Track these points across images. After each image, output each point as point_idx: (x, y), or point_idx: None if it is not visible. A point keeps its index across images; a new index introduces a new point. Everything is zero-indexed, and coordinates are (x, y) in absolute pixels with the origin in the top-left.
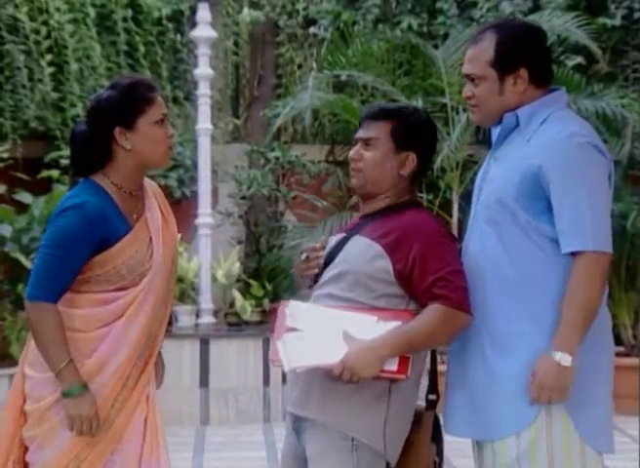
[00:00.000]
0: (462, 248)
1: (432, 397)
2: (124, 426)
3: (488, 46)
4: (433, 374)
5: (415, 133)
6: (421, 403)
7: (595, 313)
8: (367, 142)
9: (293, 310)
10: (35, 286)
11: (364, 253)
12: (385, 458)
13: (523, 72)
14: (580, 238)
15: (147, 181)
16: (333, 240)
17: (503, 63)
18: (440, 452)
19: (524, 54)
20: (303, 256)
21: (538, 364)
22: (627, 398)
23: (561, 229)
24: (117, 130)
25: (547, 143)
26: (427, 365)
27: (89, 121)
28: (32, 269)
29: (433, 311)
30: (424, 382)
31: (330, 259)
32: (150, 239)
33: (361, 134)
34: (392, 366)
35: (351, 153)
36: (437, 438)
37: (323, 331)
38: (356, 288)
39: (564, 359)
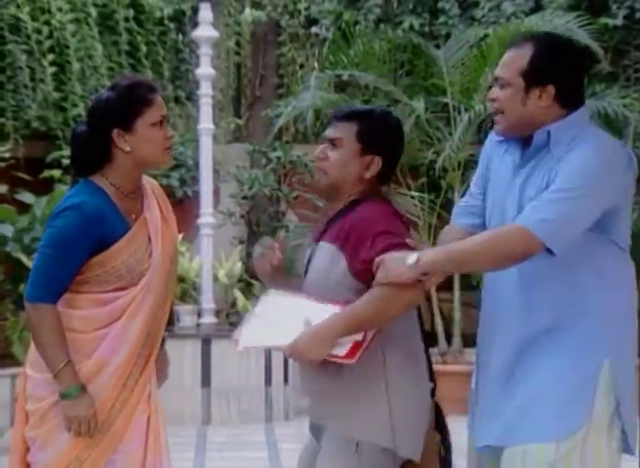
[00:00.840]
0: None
1: (430, 385)
2: (125, 426)
3: (524, 55)
4: (428, 362)
5: (382, 136)
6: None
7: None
8: (333, 142)
9: (269, 297)
10: (34, 287)
11: (326, 260)
12: (399, 454)
13: (550, 89)
14: (532, 218)
15: (147, 179)
16: (308, 251)
17: (533, 76)
18: (445, 440)
19: (556, 72)
20: (259, 252)
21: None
22: None
23: (530, 207)
24: (115, 132)
25: (569, 163)
26: None
27: (88, 122)
28: (31, 270)
29: (376, 291)
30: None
31: (305, 271)
32: (149, 239)
33: (328, 133)
34: (342, 350)
35: (317, 152)
36: (441, 425)
37: (286, 316)
38: (328, 296)
39: (410, 257)
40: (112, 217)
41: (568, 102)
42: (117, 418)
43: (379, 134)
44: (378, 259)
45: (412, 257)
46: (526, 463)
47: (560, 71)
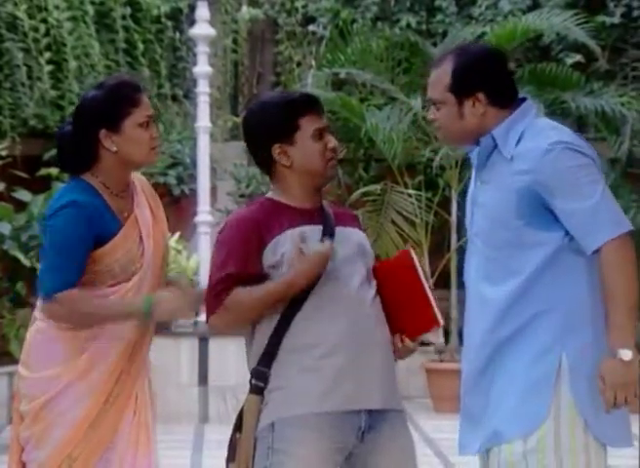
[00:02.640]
0: (465, 273)
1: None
2: (117, 421)
3: (446, 71)
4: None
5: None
6: None
7: (637, 299)
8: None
9: None
10: (49, 282)
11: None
12: None
13: (481, 96)
14: (602, 231)
15: (136, 176)
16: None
17: (460, 88)
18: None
19: (480, 78)
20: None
21: (602, 367)
22: None
23: (579, 233)
24: (102, 132)
25: (532, 159)
26: None
27: (75, 122)
28: (40, 272)
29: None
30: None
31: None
32: (141, 237)
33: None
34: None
35: (332, 143)
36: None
37: None
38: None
39: (625, 354)
40: (106, 215)
41: (504, 103)
42: (110, 413)
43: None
44: None
45: None
46: (500, 463)
47: (483, 76)
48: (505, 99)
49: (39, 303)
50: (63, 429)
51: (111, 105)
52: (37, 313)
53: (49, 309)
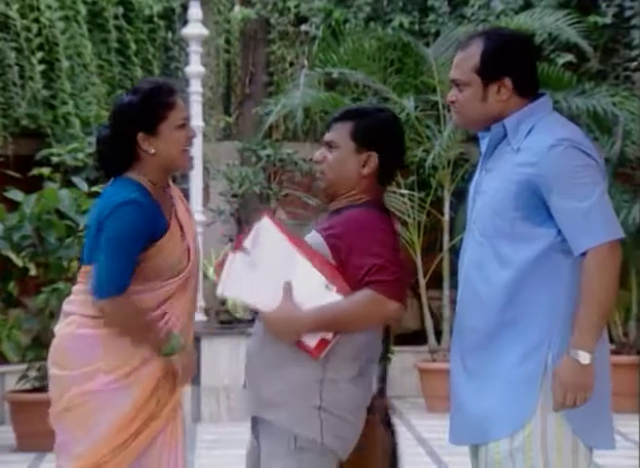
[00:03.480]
0: (459, 259)
1: (380, 385)
2: (156, 426)
3: (474, 53)
4: (384, 363)
5: (375, 132)
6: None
7: (611, 306)
8: (330, 144)
9: (260, 230)
10: (107, 282)
11: (312, 243)
12: (334, 453)
13: (507, 81)
14: (592, 235)
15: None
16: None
17: (488, 71)
18: (394, 438)
19: (509, 63)
20: None
21: (559, 365)
22: (617, 395)
23: (570, 233)
24: (140, 136)
25: (537, 153)
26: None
27: (112, 125)
28: (99, 266)
29: (362, 296)
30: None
31: None
32: (182, 236)
33: (326, 136)
34: (312, 342)
35: (316, 156)
36: (389, 424)
37: (272, 268)
38: None
39: (583, 357)
40: (157, 214)
41: (526, 91)
42: (149, 417)
43: (372, 130)
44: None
45: None
46: (488, 462)
47: (513, 62)
48: (529, 88)
49: (80, 297)
50: (104, 425)
51: (148, 109)
52: (72, 307)
53: (101, 308)
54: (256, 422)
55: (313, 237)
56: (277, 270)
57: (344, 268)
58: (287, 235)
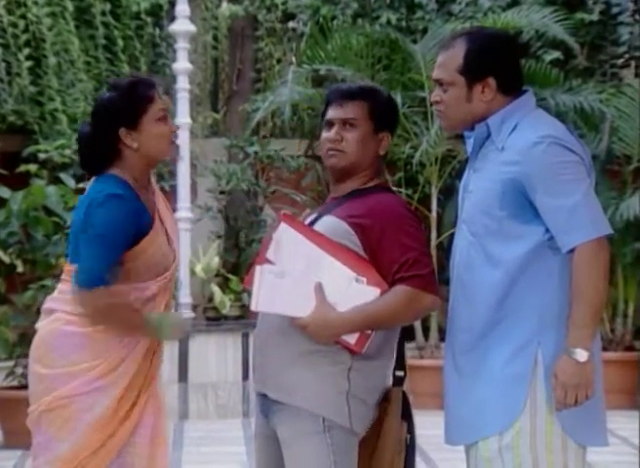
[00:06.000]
0: (450, 259)
1: (400, 373)
2: (135, 423)
3: (458, 53)
4: (401, 351)
5: (390, 113)
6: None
7: (603, 303)
8: (347, 122)
9: (280, 238)
10: (89, 272)
11: (333, 230)
12: (358, 434)
13: (491, 81)
14: (579, 231)
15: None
16: (306, 221)
17: (472, 71)
18: (411, 430)
19: (493, 63)
20: None
21: (557, 365)
22: (604, 392)
23: (557, 231)
24: (122, 131)
25: (521, 150)
26: None
27: (94, 122)
28: (82, 257)
29: (399, 293)
30: None
31: None
32: (166, 231)
33: (339, 114)
34: (351, 339)
35: (331, 135)
36: (407, 415)
37: (300, 273)
38: None
39: (580, 355)
40: (142, 210)
41: (510, 89)
42: (129, 413)
43: (387, 111)
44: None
45: None
46: (478, 460)
47: (496, 61)
48: (512, 87)
49: (66, 296)
50: (85, 425)
51: (128, 104)
52: (56, 304)
53: (83, 299)
54: (267, 407)
55: (334, 223)
56: (305, 273)
57: (374, 255)
58: (307, 234)
